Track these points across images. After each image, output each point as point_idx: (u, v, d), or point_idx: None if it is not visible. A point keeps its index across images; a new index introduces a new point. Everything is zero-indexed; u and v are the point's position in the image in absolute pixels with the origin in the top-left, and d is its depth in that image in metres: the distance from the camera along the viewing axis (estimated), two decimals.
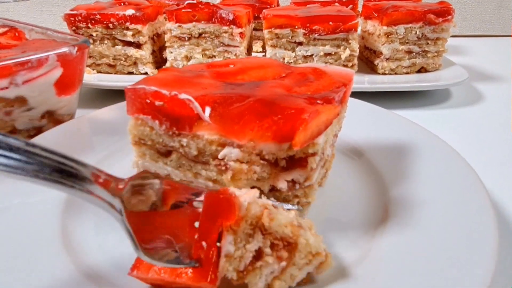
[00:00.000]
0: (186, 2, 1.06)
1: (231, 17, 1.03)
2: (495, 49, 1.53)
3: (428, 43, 1.04)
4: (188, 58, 1.09)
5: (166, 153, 0.48)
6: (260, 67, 0.57)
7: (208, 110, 0.44)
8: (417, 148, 0.62)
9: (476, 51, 1.47)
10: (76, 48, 0.69)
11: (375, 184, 0.58)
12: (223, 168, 0.45)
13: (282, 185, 0.48)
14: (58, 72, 0.69)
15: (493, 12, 1.69)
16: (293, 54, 1.04)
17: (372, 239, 0.48)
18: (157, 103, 0.45)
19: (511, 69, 1.22)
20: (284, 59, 1.04)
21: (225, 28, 1.04)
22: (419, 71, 1.08)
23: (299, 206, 0.49)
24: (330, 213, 0.54)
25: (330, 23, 1.00)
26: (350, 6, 1.27)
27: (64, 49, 0.67)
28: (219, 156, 0.44)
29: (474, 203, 0.48)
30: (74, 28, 1.06)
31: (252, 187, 0.47)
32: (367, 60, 1.16)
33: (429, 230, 0.46)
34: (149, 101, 0.45)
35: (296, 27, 1.01)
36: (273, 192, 0.49)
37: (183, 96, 0.43)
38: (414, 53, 1.05)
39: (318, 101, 0.47)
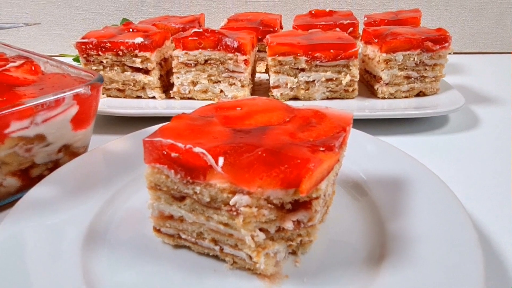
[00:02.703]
0: (193, 31, 1.10)
1: (235, 45, 1.07)
2: (493, 66, 1.57)
3: (426, 69, 1.08)
4: (194, 83, 1.13)
5: (180, 198, 0.52)
6: (266, 111, 0.61)
7: (220, 161, 0.48)
8: (412, 183, 0.65)
9: (474, 69, 1.51)
10: (90, 87, 0.73)
11: (374, 220, 0.61)
12: (235, 213, 0.49)
13: (289, 225, 0.52)
14: (74, 110, 0.73)
15: (491, 30, 1.73)
16: (296, 80, 1.08)
17: (372, 278, 0.51)
18: (173, 154, 0.49)
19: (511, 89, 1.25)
20: (287, 84, 1.08)
21: (230, 55, 1.08)
22: (417, 95, 1.11)
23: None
24: (332, 250, 0.57)
25: (331, 50, 1.04)
26: (351, 29, 1.31)
27: (80, 89, 0.71)
28: (231, 203, 0.48)
29: (463, 241, 0.52)
30: (85, 55, 1.11)
31: (260, 229, 0.51)
32: (368, 84, 1.19)
33: (421, 269, 0.50)
34: (165, 153, 0.49)
35: (298, 54, 1.05)
36: (279, 232, 0.53)
37: (197, 149, 0.47)
38: (413, 78, 1.08)
39: (321, 149, 0.51)
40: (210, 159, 0.47)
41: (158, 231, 0.57)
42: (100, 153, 0.78)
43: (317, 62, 1.05)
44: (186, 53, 1.09)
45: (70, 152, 0.78)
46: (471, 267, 0.48)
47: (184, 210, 0.53)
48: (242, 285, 0.52)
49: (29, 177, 0.73)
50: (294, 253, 0.56)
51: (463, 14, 1.69)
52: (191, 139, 0.50)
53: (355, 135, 0.75)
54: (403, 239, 0.55)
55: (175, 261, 0.56)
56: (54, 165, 0.75)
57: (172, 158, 0.49)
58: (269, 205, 0.49)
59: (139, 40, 1.09)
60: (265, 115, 0.60)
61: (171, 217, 0.55)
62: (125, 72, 1.12)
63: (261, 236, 0.51)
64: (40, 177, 0.71)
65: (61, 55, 1.54)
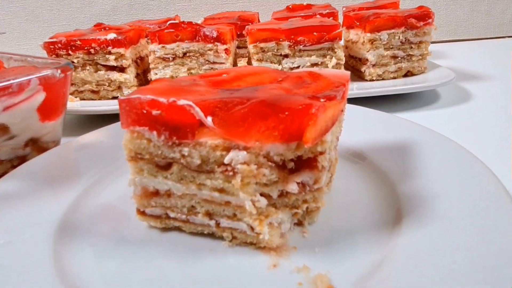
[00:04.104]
0: (169, 22, 1.04)
1: (215, 34, 1.02)
2: (472, 52, 1.57)
3: (412, 47, 1.05)
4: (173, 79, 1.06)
5: (165, 166, 0.45)
6: (256, 73, 0.55)
7: (210, 114, 0.41)
8: (417, 144, 0.61)
9: (454, 56, 1.50)
10: (59, 70, 0.66)
11: (383, 185, 0.56)
12: (231, 173, 0.42)
13: (293, 187, 0.45)
14: (41, 97, 0.65)
15: (466, 17, 1.74)
16: (280, 67, 1.03)
17: (390, 240, 0.45)
18: (154, 112, 0.42)
19: (511, 68, 1.23)
20: None
21: (210, 45, 1.03)
22: (405, 75, 1.08)
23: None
24: (342, 218, 0.51)
25: (315, 33, 1.00)
26: (331, 18, 1.28)
27: (47, 72, 0.64)
28: (225, 161, 0.42)
29: (487, 191, 0.46)
30: (54, 56, 1.03)
31: (261, 194, 0.45)
32: (353, 69, 1.16)
33: (447, 224, 0.44)
34: (145, 111, 0.42)
35: (280, 39, 1.01)
36: (282, 197, 0.46)
37: (182, 102, 0.41)
38: (399, 58, 1.06)
39: (321, 100, 0.45)
40: (198, 111, 0.41)
41: (143, 213, 0.50)
42: (72, 147, 0.70)
43: (301, 46, 1.01)
44: (163, 46, 1.04)
45: (38, 147, 0.69)
46: (503, 215, 0.42)
47: (171, 180, 0.45)
48: (245, 263, 0.44)
49: None
50: (300, 223, 0.49)
51: (438, 3, 1.71)
52: (175, 96, 0.43)
53: (348, 109, 0.71)
54: (419, 198, 0.49)
55: (165, 245, 0.48)
56: (21, 161, 0.67)
57: (154, 117, 0.42)
58: (269, 163, 0.43)
59: (112, 36, 1.02)
60: (256, 77, 0.54)
61: (156, 193, 0.48)
62: (99, 72, 1.05)
63: (263, 201, 0.44)
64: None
65: None
